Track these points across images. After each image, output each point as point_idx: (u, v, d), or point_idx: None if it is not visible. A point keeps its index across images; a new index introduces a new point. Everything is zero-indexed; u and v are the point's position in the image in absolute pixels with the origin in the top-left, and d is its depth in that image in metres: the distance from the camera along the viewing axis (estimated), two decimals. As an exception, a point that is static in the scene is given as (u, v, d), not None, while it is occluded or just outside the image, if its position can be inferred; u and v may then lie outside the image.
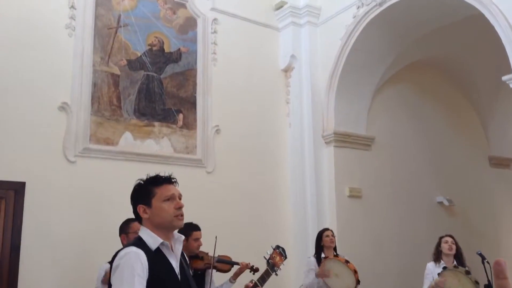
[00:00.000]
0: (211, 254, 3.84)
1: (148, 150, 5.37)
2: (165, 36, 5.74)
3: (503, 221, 8.13)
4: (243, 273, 4.15)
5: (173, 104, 5.66)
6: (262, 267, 4.03)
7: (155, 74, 5.58)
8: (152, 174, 2.23)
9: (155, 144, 5.44)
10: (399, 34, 6.26)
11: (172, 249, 2.13)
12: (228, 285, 4.18)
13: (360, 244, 6.10)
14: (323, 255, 4.86)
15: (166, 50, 5.72)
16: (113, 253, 2.16)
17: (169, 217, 2.10)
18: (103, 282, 3.67)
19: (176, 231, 2.21)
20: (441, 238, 4.93)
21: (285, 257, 3.96)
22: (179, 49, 5.83)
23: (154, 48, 5.64)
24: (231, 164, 5.95)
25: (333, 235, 4.95)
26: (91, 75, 5.15)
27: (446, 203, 7.28)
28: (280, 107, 6.60)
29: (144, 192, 2.15)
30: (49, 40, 4.97)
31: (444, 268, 4.52)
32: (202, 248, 3.96)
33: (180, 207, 2.14)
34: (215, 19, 6.18)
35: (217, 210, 5.56)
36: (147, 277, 1.96)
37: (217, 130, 5.92)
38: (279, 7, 6.69)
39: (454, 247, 4.80)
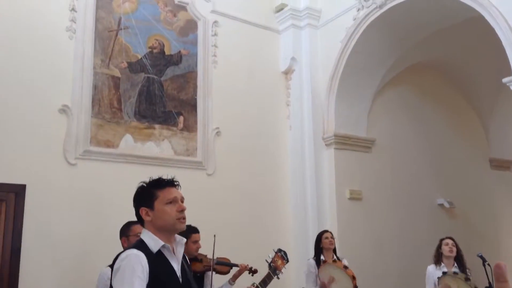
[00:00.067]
0: (209, 256, 3.84)
1: (149, 152, 5.38)
2: (165, 38, 5.75)
3: (503, 223, 8.13)
4: (242, 274, 4.16)
5: (174, 106, 5.67)
6: (263, 268, 4.04)
7: (155, 77, 5.59)
8: (155, 176, 2.24)
9: (155, 146, 5.45)
10: (399, 36, 6.27)
11: (173, 252, 2.14)
12: (227, 287, 4.18)
13: (361, 246, 6.10)
14: (322, 257, 4.86)
15: (167, 52, 5.73)
16: (114, 256, 2.16)
17: (171, 220, 2.11)
18: None
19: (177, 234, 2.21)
20: (441, 240, 4.93)
21: (287, 261, 3.96)
22: (179, 51, 5.84)
23: (155, 51, 5.65)
24: (232, 167, 5.96)
25: (332, 237, 4.95)
26: (92, 77, 5.16)
27: (446, 205, 7.28)
28: (281, 109, 6.60)
29: (147, 195, 2.16)
30: (49, 43, 4.98)
31: (444, 273, 4.51)
32: (201, 251, 3.96)
33: (182, 210, 2.15)
34: (215, 22, 6.19)
35: (218, 212, 5.57)
36: (147, 279, 1.97)
37: (217, 132, 5.93)
38: (279, 9, 6.70)
39: (454, 249, 4.80)
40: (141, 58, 5.52)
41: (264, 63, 6.57)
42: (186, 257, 2.31)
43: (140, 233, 2.19)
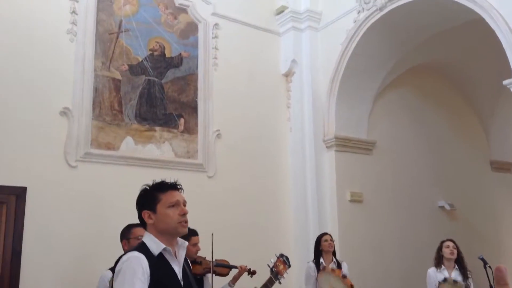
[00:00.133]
0: (208, 258, 3.84)
1: (149, 154, 5.38)
2: (166, 41, 5.76)
3: (504, 225, 8.12)
4: (241, 276, 4.15)
5: (174, 108, 5.67)
6: (263, 271, 4.04)
7: (156, 79, 5.60)
8: (157, 179, 2.25)
9: (156, 148, 5.45)
10: (399, 38, 6.27)
11: (175, 255, 2.14)
12: (227, 289, 4.17)
13: (362, 248, 6.10)
14: (321, 260, 4.85)
15: (167, 55, 5.74)
16: (114, 258, 2.17)
17: (173, 223, 2.13)
18: None
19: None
20: (442, 242, 4.93)
21: (289, 266, 3.96)
22: (180, 54, 5.85)
23: (155, 53, 5.66)
24: (232, 169, 5.96)
25: (331, 240, 4.94)
26: (93, 80, 5.16)
27: (447, 207, 7.28)
28: (281, 111, 6.61)
29: (150, 198, 2.17)
30: (50, 45, 4.99)
31: (444, 280, 4.51)
32: (201, 251, 3.96)
33: (184, 214, 2.17)
34: (216, 24, 6.20)
35: (218, 215, 5.56)
36: (148, 282, 1.98)
37: (218, 134, 5.93)
38: (280, 12, 6.71)
39: (455, 251, 4.79)
40: (142, 61, 5.53)
41: (264, 65, 6.58)
42: (188, 260, 2.32)
43: (141, 236, 2.19)
